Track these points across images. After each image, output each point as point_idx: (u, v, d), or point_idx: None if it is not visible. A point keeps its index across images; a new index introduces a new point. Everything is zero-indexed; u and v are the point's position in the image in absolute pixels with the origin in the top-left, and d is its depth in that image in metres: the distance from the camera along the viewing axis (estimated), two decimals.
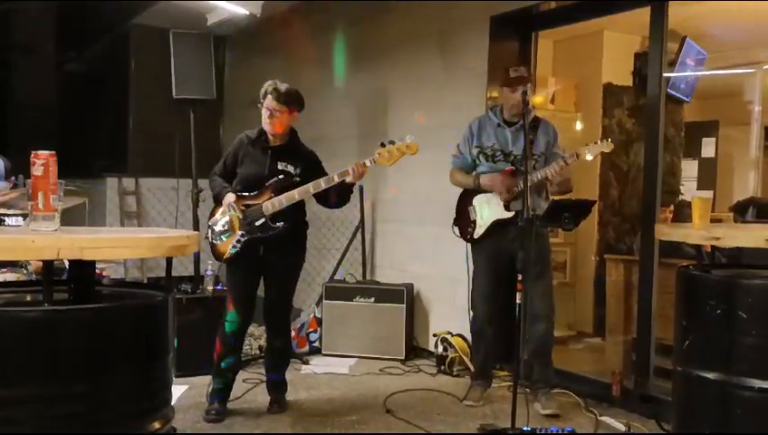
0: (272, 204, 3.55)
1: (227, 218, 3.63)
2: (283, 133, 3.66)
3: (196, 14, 5.97)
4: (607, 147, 3.69)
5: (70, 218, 2.89)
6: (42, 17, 8.06)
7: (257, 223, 3.57)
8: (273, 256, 3.65)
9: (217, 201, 3.71)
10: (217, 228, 3.67)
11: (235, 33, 7.07)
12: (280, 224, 3.56)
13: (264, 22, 6.17)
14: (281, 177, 3.60)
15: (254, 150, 3.68)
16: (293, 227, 3.64)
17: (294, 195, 3.55)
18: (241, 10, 5.70)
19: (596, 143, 3.71)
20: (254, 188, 3.61)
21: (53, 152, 2.24)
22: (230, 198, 3.59)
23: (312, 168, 3.69)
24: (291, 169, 3.64)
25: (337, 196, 3.65)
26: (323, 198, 3.67)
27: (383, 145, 3.54)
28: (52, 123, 8.02)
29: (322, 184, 3.53)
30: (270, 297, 3.78)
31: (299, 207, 3.67)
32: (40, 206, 2.21)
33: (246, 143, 3.71)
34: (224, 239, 3.64)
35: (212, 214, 3.75)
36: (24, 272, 4.11)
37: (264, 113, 3.61)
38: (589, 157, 3.70)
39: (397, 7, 5.33)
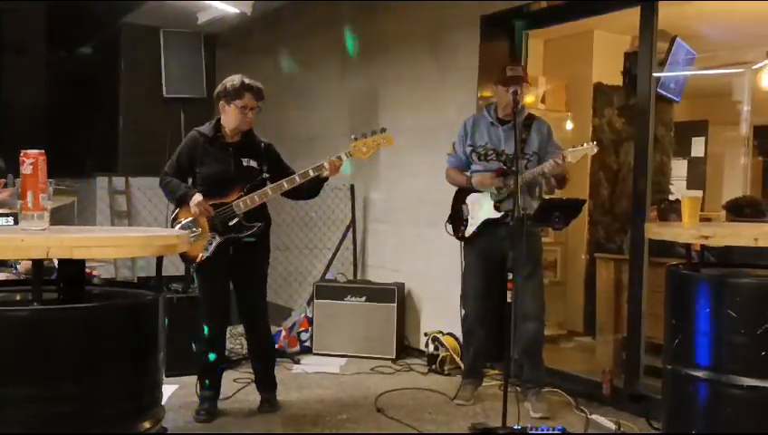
0: (243, 202, 3.49)
1: (194, 220, 3.53)
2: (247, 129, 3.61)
3: (186, 12, 5.95)
4: (590, 150, 3.66)
5: (59, 218, 2.87)
6: (32, 16, 8.00)
7: (230, 223, 3.51)
8: (242, 256, 3.60)
9: (179, 203, 3.57)
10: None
11: (225, 32, 7.05)
12: (256, 224, 3.52)
13: (254, 21, 6.16)
14: (247, 175, 3.54)
15: (214, 148, 3.57)
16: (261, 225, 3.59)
17: (268, 192, 3.51)
18: (232, 9, 5.69)
19: (581, 146, 3.68)
20: (221, 188, 3.52)
21: (43, 151, 2.22)
22: (198, 198, 3.47)
23: (276, 162, 3.65)
24: (254, 164, 3.58)
25: (309, 189, 3.61)
26: (292, 192, 3.60)
27: (356, 139, 3.51)
28: (41, 122, 7.96)
29: (297, 179, 3.49)
30: (245, 299, 3.73)
31: (262, 204, 3.59)
32: (29, 205, 2.19)
33: (203, 141, 3.58)
34: (192, 242, 3.50)
35: (175, 216, 3.61)
36: (13, 271, 4.09)
37: (240, 111, 3.50)
38: (573, 160, 3.70)
39: (388, 7, 5.33)
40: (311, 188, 3.62)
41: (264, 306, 3.82)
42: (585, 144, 3.70)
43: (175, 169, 3.62)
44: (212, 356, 3.68)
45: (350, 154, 3.52)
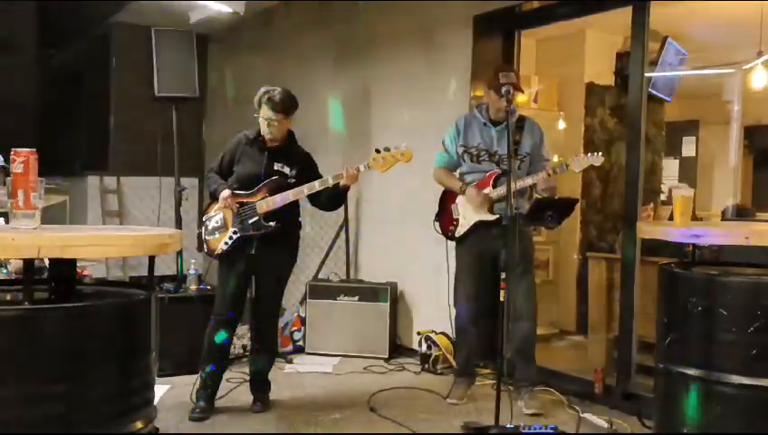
0: (266, 203, 3.59)
1: (221, 215, 3.68)
2: (282, 137, 3.68)
3: (178, 11, 5.93)
4: (596, 160, 3.65)
5: (50, 217, 2.85)
6: (21, 14, 7.95)
7: (250, 221, 3.61)
8: (264, 256, 3.67)
9: (213, 197, 3.74)
10: (210, 224, 3.72)
11: (217, 31, 7.04)
12: (272, 223, 3.58)
13: (246, 20, 6.15)
14: (276, 177, 3.62)
15: (252, 150, 3.70)
16: (286, 229, 3.66)
17: (288, 195, 3.59)
18: (225, 8, 5.68)
19: (586, 156, 3.67)
20: (250, 187, 3.64)
21: (34, 150, 2.21)
22: (225, 194, 3.61)
23: (307, 170, 3.71)
24: (286, 169, 3.67)
25: (330, 199, 3.70)
26: (318, 201, 3.71)
27: (378, 151, 3.57)
28: (32, 121, 7.92)
29: (317, 186, 3.58)
30: (259, 298, 3.78)
31: (293, 208, 3.69)
32: (20, 204, 2.18)
33: (245, 143, 3.73)
34: (216, 235, 3.69)
35: (206, 209, 3.80)
36: (4, 271, 4.06)
37: (262, 123, 3.61)
38: (576, 169, 3.70)
39: (381, 6, 5.33)
40: (332, 198, 3.70)
41: (276, 310, 3.88)
42: (590, 154, 3.67)
43: (218, 167, 3.78)
44: (219, 344, 3.70)
45: (369, 166, 3.58)
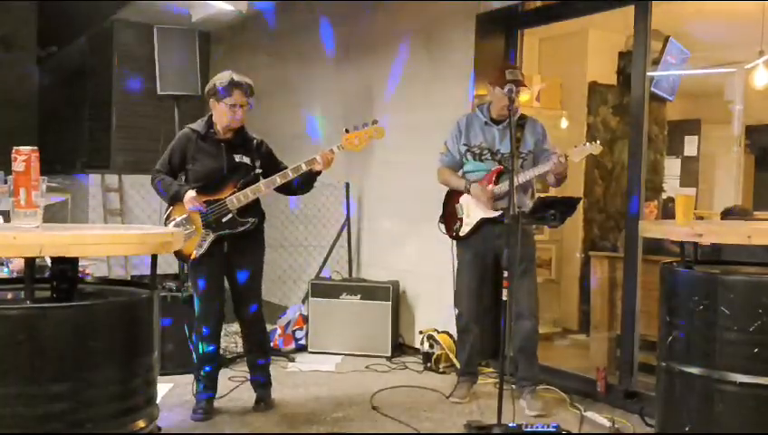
0: (237, 198, 3.49)
1: (186, 217, 3.53)
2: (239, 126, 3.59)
3: (180, 9, 5.93)
4: (595, 149, 3.65)
5: (52, 215, 2.86)
6: (23, 12, 7.97)
7: (224, 219, 3.50)
8: (237, 254, 3.60)
9: (174, 200, 3.56)
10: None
11: (219, 29, 7.04)
12: (250, 219, 3.52)
13: (248, 18, 6.15)
14: (240, 170, 3.53)
15: (206, 145, 3.56)
16: (257, 222, 3.59)
17: (261, 187, 3.50)
18: (228, 7, 5.68)
19: (584, 145, 3.68)
20: (213, 184, 3.52)
21: (35, 148, 2.21)
22: (191, 195, 3.47)
23: (268, 158, 3.65)
24: (247, 160, 3.57)
25: (301, 183, 3.60)
26: (285, 186, 3.59)
27: (347, 131, 3.49)
28: (33, 119, 7.94)
29: (290, 174, 3.48)
30: (240, 297, 3.71)
31: (256, 199, 3.58)
32: (22, 202, 2.18)
33: (195, 138, 3.57)
34: (186, 240, 3.50)
35: (168, 214, 3.61)
36: (5, 270, 4.06)
37: (229, 109, 3.48)
38: (576, 159, 3.70)
39: (383, 5, 5.33)
40: (303, 183, 3.61)
41: (260, 302, 3.81)
42: (588, 144, 3.68)
43: (167, 166, 3.61)
44: (207, 349, 3.65)
45: (342, 147, 3.50)
